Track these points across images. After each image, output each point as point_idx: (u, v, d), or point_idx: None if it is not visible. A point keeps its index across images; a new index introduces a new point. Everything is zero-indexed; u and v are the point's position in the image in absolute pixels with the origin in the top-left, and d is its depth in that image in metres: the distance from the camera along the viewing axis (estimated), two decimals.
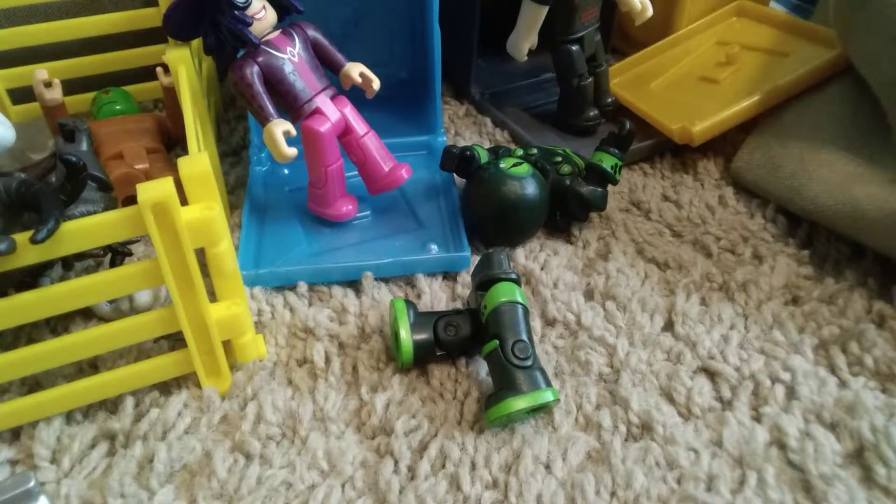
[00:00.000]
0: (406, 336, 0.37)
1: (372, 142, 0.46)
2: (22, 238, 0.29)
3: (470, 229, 0.47)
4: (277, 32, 0.43)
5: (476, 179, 0.47)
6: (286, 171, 0.53)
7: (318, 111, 0.43)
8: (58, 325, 0.42)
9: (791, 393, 0.37)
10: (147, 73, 0.57)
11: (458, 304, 0.43)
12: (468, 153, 0.48)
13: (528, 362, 0.35)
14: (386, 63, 0.55)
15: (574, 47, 0.54)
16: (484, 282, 0.38)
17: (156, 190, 0.30)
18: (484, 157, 0.49)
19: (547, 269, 0.45)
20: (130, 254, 0.42)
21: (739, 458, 0.34)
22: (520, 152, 0.49)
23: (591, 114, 0.56)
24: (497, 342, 0.35)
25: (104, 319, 0.41)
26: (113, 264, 0.42)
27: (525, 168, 0.46)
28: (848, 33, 0.49)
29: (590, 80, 0.55)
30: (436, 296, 0.43)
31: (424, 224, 0.48)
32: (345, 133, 0.45)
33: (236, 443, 0.35)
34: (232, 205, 0.51)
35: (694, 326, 0.41)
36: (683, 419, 0.36)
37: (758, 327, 0.41)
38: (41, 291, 0.32)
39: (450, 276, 0.45)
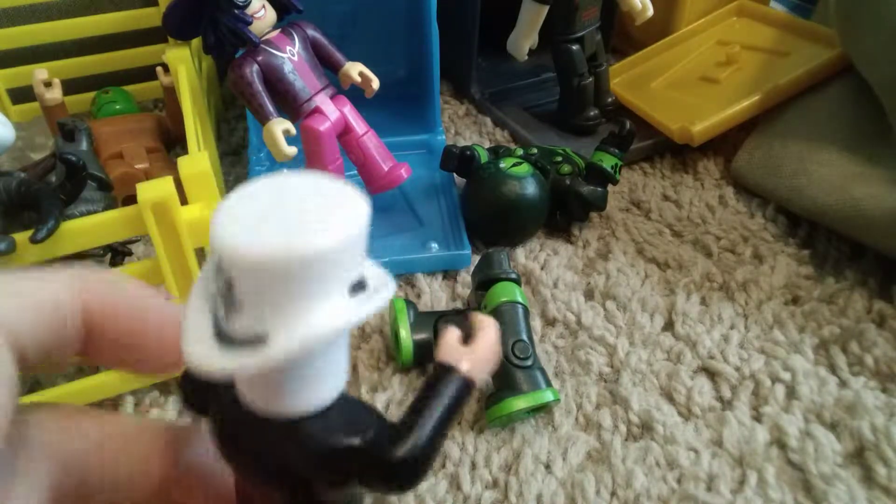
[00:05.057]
0: (406, 336, 0.37)
1: (371, 141, 0.46)
2: (22, 238, 0.29)
3: (470, 229, 0.47)
4: (277, 31, 0.43)
5: (476, 179, 0.47)
6: (285, 171, 0.53)
7: (317, 110, 0.43)
8: None
9: (791, 393, 0.37)
10: (147, 73, 0.57)
11: (458, 304, 0.43)
12: (468, 153, 0.48)
13: (528, 362, 0.35)
14: (384, 62, 0.55)
15: (574, 47, 0.54)
16: (484, 281, 0.38)
17: (156, 189, 0.30)
18: (484, 156, 0.49)
19: (547, 268, 0.45)
20: (130, 253, 0.42)
21: (740, 458, 0.34)
22: (520, 152, 0.49)
23: (592, 113, 0.56)
24: None
25: None
26: (113, 264, 0.42)
27: (525, 168, 0.46)
28: (848, 33, 0.49)
29: (590, 79, 0.55)
30: (436, 295, 0.43)
31: (424, 222, 0.48)
32: (344, 132, 0.45)
33: None
34: None
35: (694, 326, 0.41)
36: (683, 419, 0.36)
37: (758, 327, 0.41)
38: None
39: (450, 275, 0.45)
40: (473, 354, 0.16)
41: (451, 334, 0.17)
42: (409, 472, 0.15)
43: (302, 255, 0.13)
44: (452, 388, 0.16)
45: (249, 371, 0.13)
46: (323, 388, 0.15)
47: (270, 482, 0.16)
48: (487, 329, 0.17)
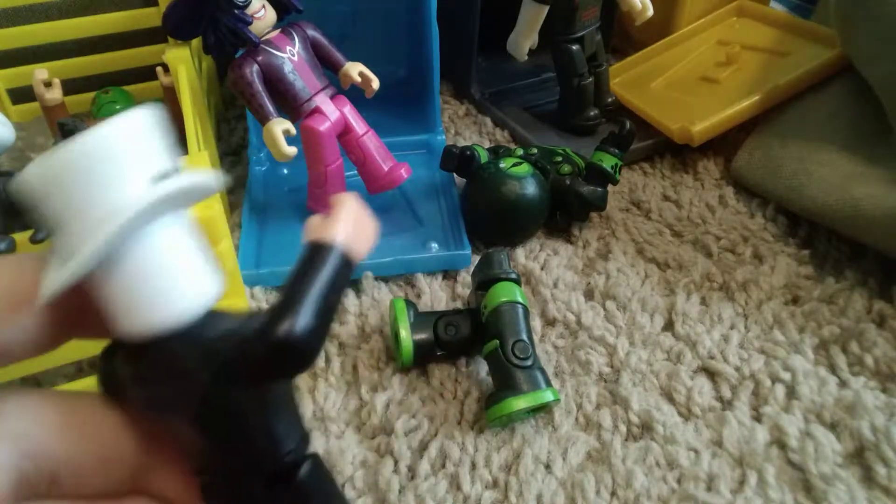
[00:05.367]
0: (406, 336, 0.37)
1: (371, 141, 0.46)
2: (22, 238, 0.29)
3: (470, 229, 0.47)
4: (277, 31, 0.43)
5: (476, 179, 0.47)
6: (286, 171, 0.53)
7: (317, 110, 0.43)
8: None
9: (791, 393, 0.37)
10: (147, 73, 0.57)
11: (458, 304, 0.43)
12: (468, 153, 0.48)
13: (529, 362, 0.35)
14: (384, 62, 0.55)
15: (574, 47, 0.54)
16: (484, 281, 0.38)
17: None
18: (484, 156, 0.49)
19: (547, 268, 0.45)
20: None
21: (740, 458, 0.34)
22: (520, 152, 0.49)
23: (592, 113, 0.56)
24: (497, 342, 0.35)
25: None
26: None
27: (525, 168, 0.46)
28: (848, 32, 0.49)
29: (590, 79, 0.55)
30: (436, 295, 0.43)
31: (424, 222, 0.48)
32: (344, 132, 0.45)
33: None
34: (232, 205, 0.51)
35: (694, 326, 0.41)
36: (683, 419, 0.36)
37: (758, 327, 0.41)
38: None
39: (450, 275, 0.45)
40: (338, 225, 0.17)
41: (314, 219, 0.17)
42: (296, 349, 0.16)
43: (80, 149, 0.14)
44: (327, 261, 0.16)
45: (70, 280, 0.14)
46: (183, 291, 0.16)
47: (188, 416, 0.16)
48: (344, 202, 0.17)
